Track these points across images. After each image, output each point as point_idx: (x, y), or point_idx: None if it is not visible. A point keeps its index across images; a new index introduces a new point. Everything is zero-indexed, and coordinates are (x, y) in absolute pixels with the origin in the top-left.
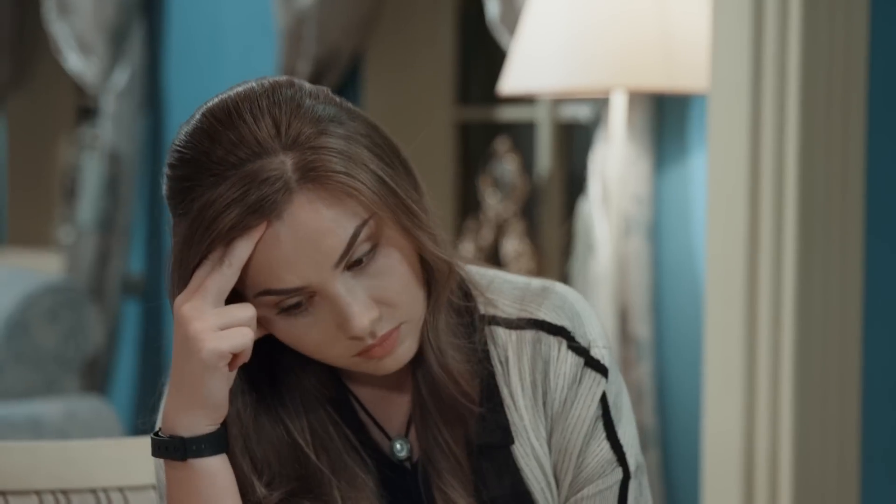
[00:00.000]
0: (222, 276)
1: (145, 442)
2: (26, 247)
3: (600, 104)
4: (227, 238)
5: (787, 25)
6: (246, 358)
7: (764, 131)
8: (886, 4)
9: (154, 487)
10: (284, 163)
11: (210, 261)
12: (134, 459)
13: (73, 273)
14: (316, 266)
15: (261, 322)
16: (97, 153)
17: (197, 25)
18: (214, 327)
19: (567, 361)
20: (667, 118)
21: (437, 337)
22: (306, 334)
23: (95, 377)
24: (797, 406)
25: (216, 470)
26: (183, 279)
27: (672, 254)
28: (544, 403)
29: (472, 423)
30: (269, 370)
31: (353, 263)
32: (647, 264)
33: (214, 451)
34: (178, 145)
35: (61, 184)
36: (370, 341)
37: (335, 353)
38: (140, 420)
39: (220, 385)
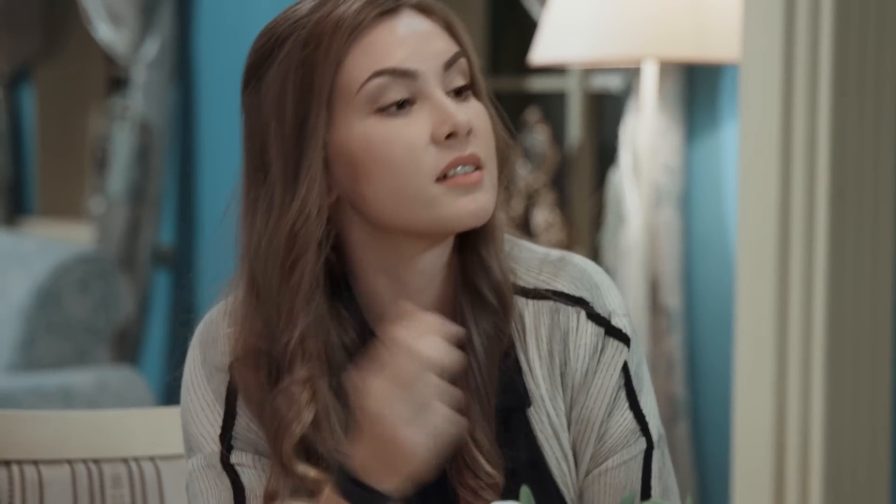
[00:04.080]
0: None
1: (176, 411)
2: (57, 217)
3: (631, 74)
4: (353, 35)
5: None
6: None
7: (796, 101)
8: None
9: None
10: None
11: None
12: (165, 429)
13: (104, 243)
14: (426, 60)
15: (352, 144)
16: (127, 123)
17: None
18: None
19: (587, 331)
20: (698, 88)
21: (496, 216)
22: (402, 135)
23: (126, 347)
24: (828, 377)
25: None
26: (297, 118)
27: (703, 224)
28: (563, 374)
29: (503, 345)
30: None
31: (450, 91)
32: (677, 235)
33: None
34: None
35: (92, 154)
36: (462, 151)
37: (426, 161)
38: (171, 377)
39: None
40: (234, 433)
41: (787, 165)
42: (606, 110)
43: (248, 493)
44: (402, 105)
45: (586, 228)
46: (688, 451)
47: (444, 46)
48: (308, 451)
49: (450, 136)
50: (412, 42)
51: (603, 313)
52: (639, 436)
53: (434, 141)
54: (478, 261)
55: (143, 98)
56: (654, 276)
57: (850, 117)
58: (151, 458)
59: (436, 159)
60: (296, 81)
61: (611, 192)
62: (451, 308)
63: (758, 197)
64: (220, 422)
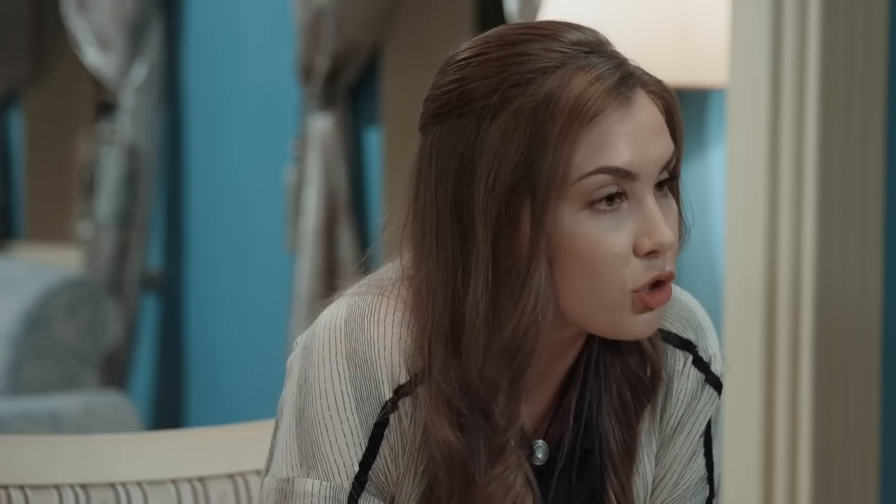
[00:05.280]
0: None
1: (164, 436)
2: (45, 242)
3: None
4: (591, 122)
5: (807, 19)
6: None
7: (783, 126)
8: None
9: (173, 482)
10: (631, 63)
11: None
12: (153, 454)
13: (92, 268)
14: (648, 163)
15: (557, 236)
16: (116, 148)
17: (215, 20)
18: None
19: (690, 377)
20: (685, 113)
21: None
22: (608, 236)
23: (114, 372)
24: (816, 401)
25: None
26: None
27: (691, 249)
28: (661, 419)
29: (641, 413)
30: None
31: (655, 186)
32: None
33: None
34: (473, 52)
35: (80, 179)
36: (661, 270)
37: (627, 271)
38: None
39: None
40: (369, 475)
41: (774, 190)
42: None
43: None
44: (612, 199)
45: None
46: None
47: (665, 147)
48: None
49: (651, 252)
50: (641, 141)
51: (706, 358)
52: (705, 484)
53: (636, 252)
54: None
55: (131, 122)
56: None
57: (837, 142)
58: (139, 483)
59: (636, 273)
60: (517, 153)
61: None
62: (575, 361)
63: (745, 222)
64: (359, 456)
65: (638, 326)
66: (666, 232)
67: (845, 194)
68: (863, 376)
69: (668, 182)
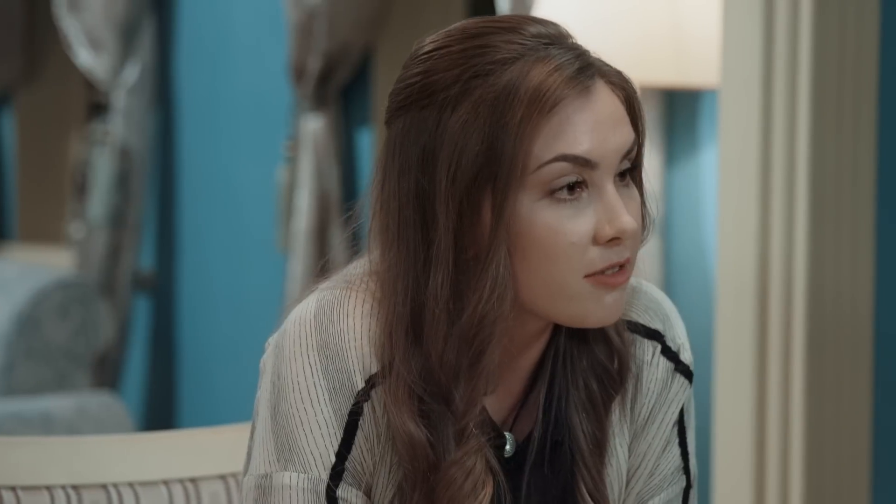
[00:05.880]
0: None
1: (156, 437)
2: (37, 242)
3: None
4: (551, 112)
5: (798, 20)
6: None
7: (775, 127)
8: None
9: (165, 483)
10: (591, 54)
11: None
12: (145, 454)
13: (84, 269)
14: (608, 152)
15: (516, 224)
16: (108, 149)
17: (207, 21)
18: None
19: (659, 367)
20: (677, 114)
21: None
22: (566, 225)
23: (106, 372)
24: (808, 403)
25: None
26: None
27: (683, 250)
28: (631, 408)
29: (609, 405)
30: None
31: (616, 175)
32: (657, 260)
33: None
34: (442, 42)
35: (72, 179)
36: (619, 257)
37: (585, 259)
38: None
39: None
40: (346, 465)
41: (766, 191)
42: None
43: None
44: (573, 188)
45: None
46: None
47: (625, 136)
48: None
49: (612, 240)
50: (601, 130)
51: (674, 347)
52: (681, 474)
53: (595, 241)
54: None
55: (123, 123)
56: None
57: (829, 142)
58: (130, 484)
59: (592, 259)
60: (478, 143)
61: None
62: (542, 354)
63: (737, 222)
64: (335, 447)
65: (598, 312)
66: (627, 219)
67: (837, 195)
68: (854, 377)
69: (630, 172)
